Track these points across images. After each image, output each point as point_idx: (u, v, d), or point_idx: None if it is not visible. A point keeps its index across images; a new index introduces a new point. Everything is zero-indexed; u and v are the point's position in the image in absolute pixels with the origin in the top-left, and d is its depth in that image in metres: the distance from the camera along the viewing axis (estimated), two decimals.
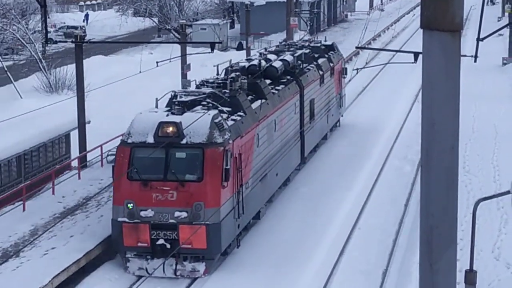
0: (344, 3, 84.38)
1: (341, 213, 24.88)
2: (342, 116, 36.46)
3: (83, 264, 19.39)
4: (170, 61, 31.92)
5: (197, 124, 17.09)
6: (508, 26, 43.86)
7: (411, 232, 22.57)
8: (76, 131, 28.12)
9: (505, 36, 51.11)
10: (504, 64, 50.31)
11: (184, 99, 19.58)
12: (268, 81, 24.84)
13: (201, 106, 19.39)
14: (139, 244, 17.40)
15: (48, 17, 32.04)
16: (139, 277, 17.65)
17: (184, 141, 17.04)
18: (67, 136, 28.58)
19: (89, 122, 28.09)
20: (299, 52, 29.47)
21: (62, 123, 28.03)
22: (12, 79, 39.96)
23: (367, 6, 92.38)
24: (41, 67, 41.80)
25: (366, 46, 43.92)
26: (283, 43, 33.93)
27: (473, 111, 36.36)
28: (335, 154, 32.26)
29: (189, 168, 17.28)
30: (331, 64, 33.04)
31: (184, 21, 47.52)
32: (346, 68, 36.57)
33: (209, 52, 31.59)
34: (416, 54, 27.45)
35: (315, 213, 24.39)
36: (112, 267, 19.62)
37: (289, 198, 26.14)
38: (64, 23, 57.60)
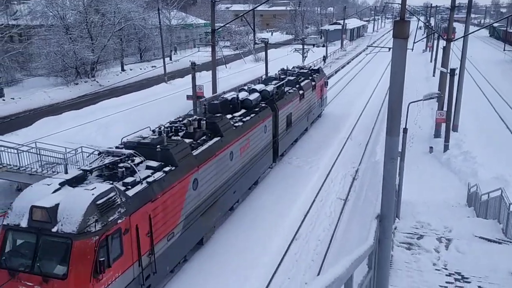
0: (362, 28, 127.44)
1: (347, 122, 34.94)
2: (323, 110, 36.47)
3: None
4: (297, 50, 58.28)
5: (74, 207, 10.73)
6: (426, 38, 77.04)
7: (380, 124, 33.34)
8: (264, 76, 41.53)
9: (424, 42, 79.48)
10: (423, 51, 78.21)
11: (86, 167, 12.73)
12: (242, 111, 20.69)
13: (105, 174, 12.65)
14: None
15: (255, 34, 51.77)
16: None
17: (55, 229, 10.61)
18: (260, 78, 40.55)
19: (269, 73, 39.58)
20: (283, 81, 26.60)
21: (260, 73, 45.90)
22: (242, 56, 71.14)
23: (371, 29, 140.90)
24: (253, 53, 72.00)
25: (371, 45, 67.33)
26: (280, 71, 31.29)
27: (410, 69, 49.71)
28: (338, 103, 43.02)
29: (56, 262, 10.76)
30: (313, 83, 31.43)
31: (304, 36, 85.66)
32: (327, 82, 37.10)
33: (312, 47, 60.64)
34: (389, 48, 36.61)
35: (331, 133, 31.77)
36: None
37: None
38: (261, 37, 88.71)
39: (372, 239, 6.47)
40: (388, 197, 6.96)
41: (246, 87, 24.96)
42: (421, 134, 30.11)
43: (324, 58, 67.90)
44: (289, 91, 27.00)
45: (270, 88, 24.34)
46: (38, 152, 20.14)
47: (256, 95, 22.61)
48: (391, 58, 6.35)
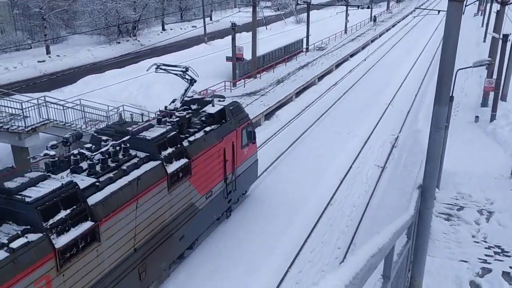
0: None
1: (392, 84, 36.07)
2: (242, 196, 17.77)
3: None
4: (342, 12, 56.43)
5: None
6: (478, 1, 71.70)
7: (425, 88, 34.25)
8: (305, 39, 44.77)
9: (476, 5, 75.51)
10: (474, 15, 74.49)
11: None
12: None
13: None
14: None
15: None
16: None
17: None
18: (301, 40, 44.88)
19: (310, 35, 43.26)
20: None
21: (300, 35, 45.06)
22: (283, 18, 67.61)
23: None
24: (294, 14, 69.30)
25: (419, 7, 63.24)
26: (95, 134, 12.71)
27: (460, 34, 50.51)
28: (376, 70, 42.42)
29: None
30: (189, 162, 13.02)
31: None
32: (253, 132, 17.58)
33: (357, 9, 55.40)
34: (439, 11, 40.20)
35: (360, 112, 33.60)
36: None
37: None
38: None
39: (412, 209, 6.33)
40: (432, 168, 6.78)
41: None
42: (467, 103, 29.15)
43: (375, 19, 66.05)
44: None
45: None
46: (82, 109, 20.70)
47: None
48: (445, 22, 5.98)
